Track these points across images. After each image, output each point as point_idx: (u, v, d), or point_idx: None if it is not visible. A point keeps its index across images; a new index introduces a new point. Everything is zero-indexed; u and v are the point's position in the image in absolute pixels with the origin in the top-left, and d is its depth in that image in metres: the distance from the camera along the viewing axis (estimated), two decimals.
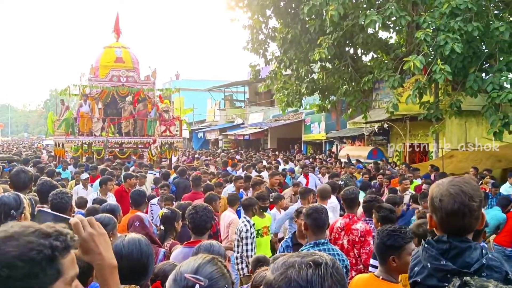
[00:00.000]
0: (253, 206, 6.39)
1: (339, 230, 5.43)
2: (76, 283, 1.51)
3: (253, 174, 12.28)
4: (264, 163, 17.22)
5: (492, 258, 2.06)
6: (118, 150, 19.11)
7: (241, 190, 9.13)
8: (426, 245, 2.17)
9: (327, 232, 5.71)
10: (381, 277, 3.24)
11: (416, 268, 2.21)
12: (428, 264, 2.11)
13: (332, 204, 7.43)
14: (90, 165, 13.71)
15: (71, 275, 1.45)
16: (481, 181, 11.16)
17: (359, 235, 5.19)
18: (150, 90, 20.02)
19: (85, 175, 10.53)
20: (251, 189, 8.83)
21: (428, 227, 2.33)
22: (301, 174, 13.48)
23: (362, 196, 9.37)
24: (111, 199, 7.96)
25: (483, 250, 2.08)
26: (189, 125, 26.66)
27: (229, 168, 14.66)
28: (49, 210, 1.84)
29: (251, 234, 5.97)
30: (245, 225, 6.05)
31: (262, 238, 6.54)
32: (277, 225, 7.60)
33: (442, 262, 2.06)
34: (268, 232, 6.72)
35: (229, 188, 9.54)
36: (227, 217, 6.95)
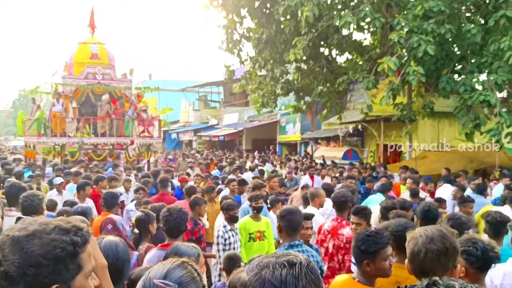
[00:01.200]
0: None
1: (326, 233, 5.33)
2: (93, 276, 1.57)
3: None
4: (249, 164, 16.86)
5: None
6: (93, 151, 18.34)
7: (236, 193, 8.75)
8: None
9: (316, 233, 5.67)
10: (357, 279, 3.23)
11: None
12: None
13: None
14: (65, 168, 13.05)
15: (89, 268, 1.53)
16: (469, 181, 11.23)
17: (345, 240, 5.06)
18: (127, 89, 19.21)
19: (59, 179, 9.87)
20: (245, 193, 8.54)
21: (408, 271, 2.48)
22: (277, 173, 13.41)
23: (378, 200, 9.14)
24: (90, 205, 7.70)
25: None
26: (169, 125, 26.02)
27: (216, 172, 14.23)
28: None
29: (225, 240, 5.72)
30: (218, 230, 5.85)
31: (255, 243, 6.06)
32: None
33: None
34: (263, 237, 6.16)
35: (226, 192, 9.14)
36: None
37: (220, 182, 10.94)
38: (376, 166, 15.84)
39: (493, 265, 3.05)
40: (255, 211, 6.31)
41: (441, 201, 7.61)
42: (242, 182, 9.21)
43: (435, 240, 2.26)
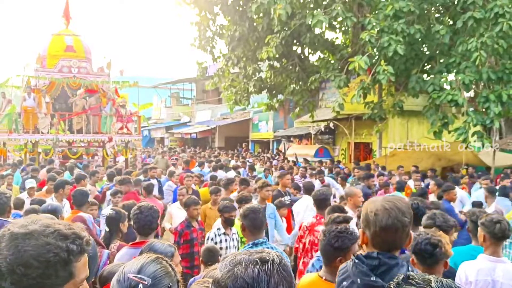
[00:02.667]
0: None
1: (305, 229, 5.43)
2: (85, 285, 1.58)
3: (220, 174, 11.44)
4: (233, 162, 16.06)
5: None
6: (68, 149, 17.22)
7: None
8: (356, 261, 2.19)
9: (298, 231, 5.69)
10: (324, 277, 3.24)
11: (345, 283, 2.21)
12: (358, 279, 2.14)
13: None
14: (32, 167, 11.86)
15: (81, 277, 1.53)
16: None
17: (319, 237, 5.12)
18: (105, 83, 17.94)
19: (30, 182, 8.90)
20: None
21: (360, 242, 2.37)
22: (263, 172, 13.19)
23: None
24: (67, 207, 7.19)
25: (410, 267, 2.16)
26: (148, 121, 24.78)
27: (197, 169, 13.61)
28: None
29: (215, 244, 5.38)
30: (209, 232, 5.56)
31: None
32: (293, 239, 6.64)
33: (372, 278, 2.09)
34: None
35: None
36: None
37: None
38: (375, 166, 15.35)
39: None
40: None
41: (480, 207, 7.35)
42: (244, 182, 8.44)
43: (405, 212, 2.21)
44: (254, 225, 4.02)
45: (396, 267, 2.12)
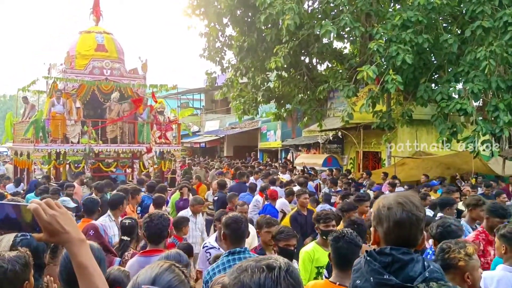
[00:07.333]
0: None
1: None
2: None
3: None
4: (281, 175, 14.32)
5: (434, 270, 2.03)
6: (100, 161, 15.38)
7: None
8: (368, 258, 2.10)
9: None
10: (337, 283, 3.23)
11: (358, 282, 2.11)
12: (371, 278, 2.04)
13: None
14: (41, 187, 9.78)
15: None
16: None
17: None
18: (143, 87, 16.07)
19: (65, 201, 7.21)
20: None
21: (371, 242, 2.26)
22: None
23: None
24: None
25: (425, 263, 2.05)
26: (190, 130, 22.82)
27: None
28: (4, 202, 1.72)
29: None
30: None
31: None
32: None
33: (385, 277, 2.00)
34: None
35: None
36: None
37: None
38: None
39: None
40: (323, 237, 4.86)
41: None
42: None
43: (419, 207, 2.11)
44: (236, 235, 3.95)
45: (410, 263, 2.02)
